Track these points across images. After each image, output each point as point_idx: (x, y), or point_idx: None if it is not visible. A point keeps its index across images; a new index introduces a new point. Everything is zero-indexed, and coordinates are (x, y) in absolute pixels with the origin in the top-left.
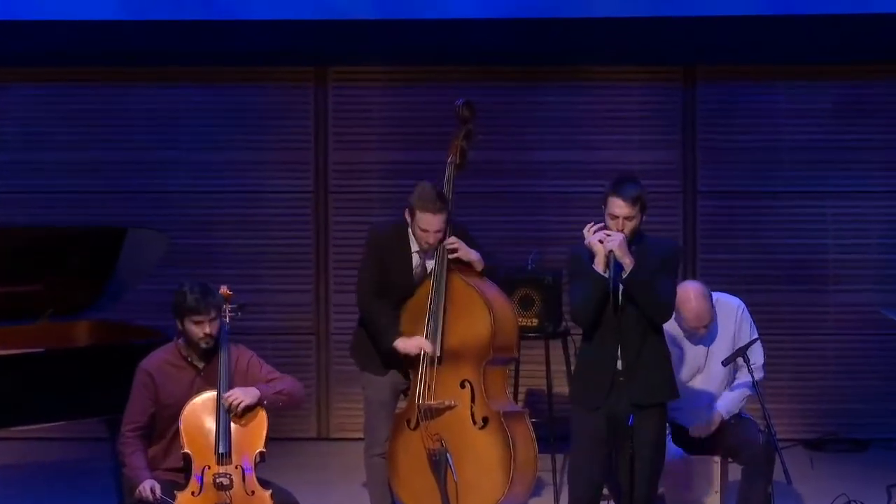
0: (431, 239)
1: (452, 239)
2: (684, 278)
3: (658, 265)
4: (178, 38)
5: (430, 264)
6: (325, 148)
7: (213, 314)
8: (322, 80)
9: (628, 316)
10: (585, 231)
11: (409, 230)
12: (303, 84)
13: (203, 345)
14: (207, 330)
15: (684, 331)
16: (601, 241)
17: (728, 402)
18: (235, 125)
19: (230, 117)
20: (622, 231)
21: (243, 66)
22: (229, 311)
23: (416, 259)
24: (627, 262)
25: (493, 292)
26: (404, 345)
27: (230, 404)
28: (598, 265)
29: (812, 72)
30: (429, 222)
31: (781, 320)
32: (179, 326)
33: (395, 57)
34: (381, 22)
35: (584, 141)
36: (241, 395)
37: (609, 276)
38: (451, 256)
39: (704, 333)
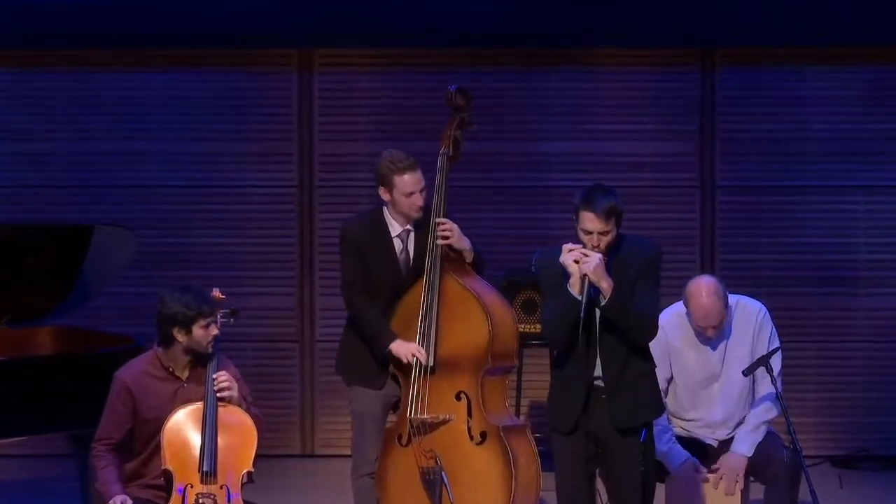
0: (420, 200)
1: (447, 223)
2: None
3: (637, 275)
4: (149, 19)
5: (414, 249)
6: (310, 138)
7: (217, 311)
8: (306, 65)
9: (607, 335)
10: (563, 248)
11: (385, 215)
12: (285, 69)
13: (209, 350)
14: (216, 331)
15: (695, 330)
16: (576, 261)
17: (749, 434)
18: (212, 114)
19: (206, 105)
20: (598, 247)
21: (220, 49)
22: (220, 318)
23: (398, 245)
24: (605, 287)
25: (490, 295)
26: (398, 348)
27: (217, 383)
28: (573, 287)
29: (843, 55)
30: (412, 182)
31: (808, 326)
32: (180, 338)
33: (385, 39)
34: (370, 0)
35: (591, 131)
36: (231, 381)
37: (583, 300)
38: (442, 242)
39: (714, 335)
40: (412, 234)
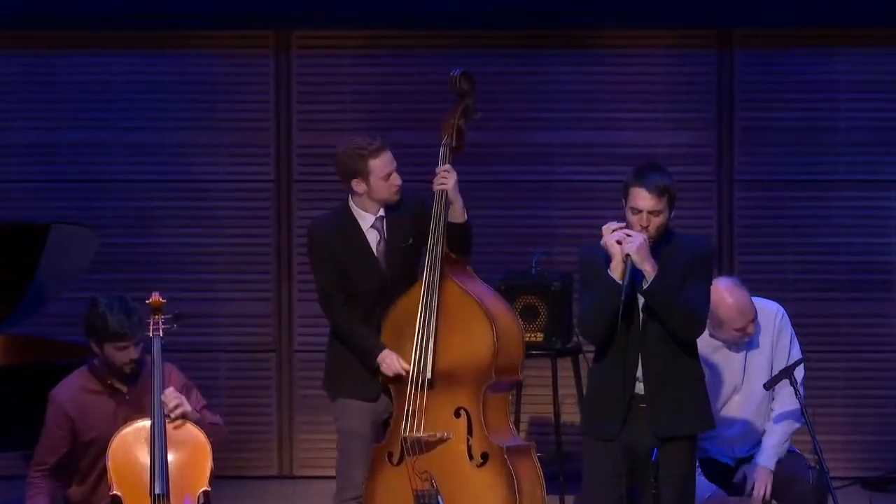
0: (398, 179)
1: (448, 168)
2: None
3: (685, 269)
4: None
5: (393, 234)
6: (289, 128)
7: (138, 337)
8: (284, 47)
9: (651, 330)
10: (604, 229)
11: (353, 209)
12: (261, 52)
13: (127, 370)
14: (133, 355)
15: (724, 342)
16: (619, 243)
17: (776, 447)
18: (180, 101)
19: (173, 91)
20: (647, 228)
21: (189, 31)
22: (162, 324)
23: (373, 237)
24: (648, 270)
25: (494, 301)
26: (384, 359)
27: (168, 407)
28: (615, 271)
29: (876, 35)
30: (388, 161)
31: (836, 335)
32: (95, 348)
33: (370, 19)
34: None
35: (598, 119)
36: (180, 399)
37: (624, 284)
38: (439, 187)
39: (752, 334)
40: (385, 221)
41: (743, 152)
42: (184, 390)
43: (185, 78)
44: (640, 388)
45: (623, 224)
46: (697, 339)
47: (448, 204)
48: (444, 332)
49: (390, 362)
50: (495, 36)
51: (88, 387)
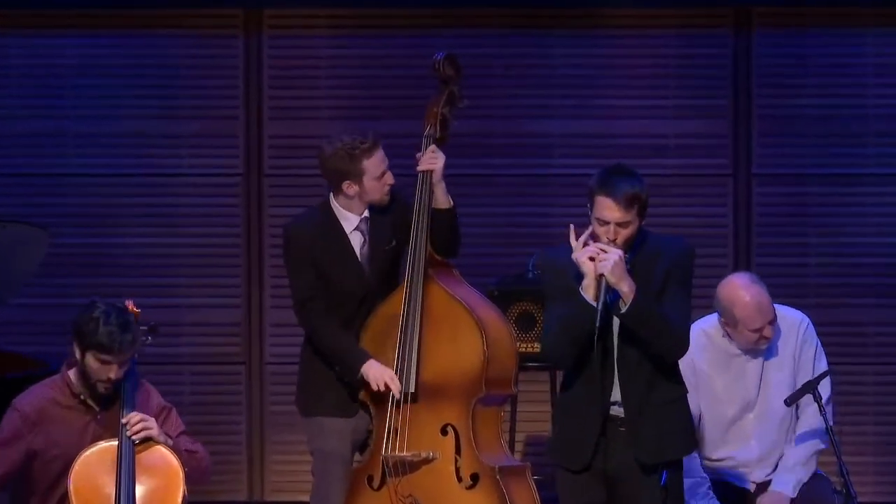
0: (391, 178)
1: (436, 148)
2: None
3: (665, 276)
4: None
5: (378, 237)
6: (259, 116)
7: (126, 357)
8: (254, 27)
9: (628, 353)
10: (574, 243)
11: (335, 209)
12: (229, 32)
13: (101, 389)
14: (113, 375)
15: (737, 348)
16: (592, 259)
17: (795, 471)
18: (140, 87)
19: (133, 77)
20: (614, 241)
21: (151, 9)
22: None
23: (357, 240)
24: (625, 290)
25: (484, 307)
26: (369, 370)
27: (130, 429)
28: (587, 290)
29: None
30: (382, 159)
31: (864, 345)
32: (77, 353)
33: None
34: None
35: (601, 107)
36: (149, 423)
37: (599, 308)
38: (425, 167)
39: (770, 337)
40: (369, 222)
41: (761, 143)
42: (161, 413)
43: (145, 61)
44: (617, 410)
45: (590, 230)
46: (709, 349)
47: (432, 189)
48: (428, 340)
49: (376, 374)
50: (487, 14)
51: (58, 399)
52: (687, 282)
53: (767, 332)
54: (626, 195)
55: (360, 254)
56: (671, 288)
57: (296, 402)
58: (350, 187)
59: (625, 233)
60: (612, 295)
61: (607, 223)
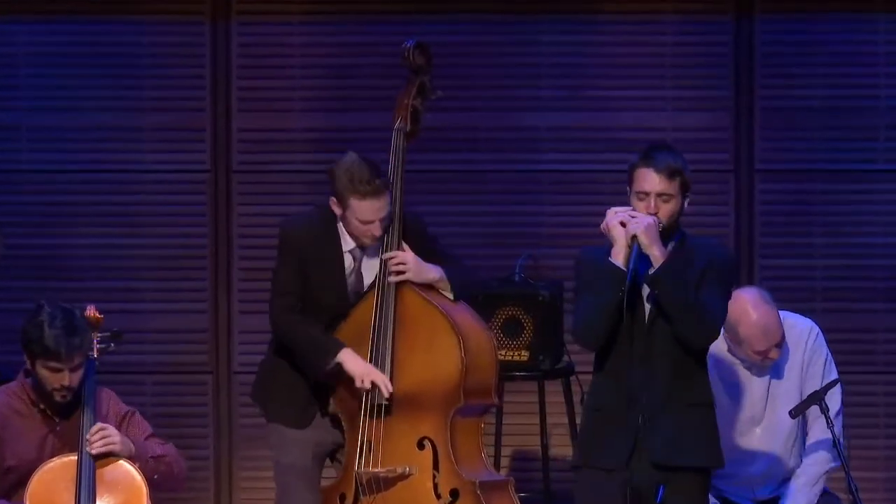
0: (377, 230)
1: (397, 255)
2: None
3: (700, 274)
4: None
5: (368, 273)
6: (227, 109)
7: (76, 361)
8: (222, 13)
9: (658, 335)
10: (608, 212)
11: (339, 223)
12: (195, 18)
13: (57, 398)
14: (67, 382)
15: (741, 361)
16: (623, 224)
17: (803, 491)
18: (98, 77)
19: (91, 66)
20: (655, 216)
21: None
22: (97, 343)
23: (348, 261)
24: (656, 254)
25: (461, 313)
26: (352, 363)
27: (90, 443)
28: (617, 256)
29: None
30: (369, 210)
31: (873, 353)
32: (28, 363)
33: None
34: None
35: (594, 98)
36: (111, 436)
37: (629, 270)
38: (395, 279)
39: (776, 359)
40: (364, 252)
41: (765, 137)
42: (124, 419)
43: (104, 49)
44: (643, 407)
45: (629, 207)
46: (712, 361)
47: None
48: (403, 348)
49: (361, 368)
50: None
51: (16, 406)
52: (724, 282)
53: (773, 353)
54: (669, 167)
55: (349, 279)
56: (706, 284)
57: (252, 395)
58: (336, 206)
59: (666, 207)
60: (643, 265)
61: (647, 195)
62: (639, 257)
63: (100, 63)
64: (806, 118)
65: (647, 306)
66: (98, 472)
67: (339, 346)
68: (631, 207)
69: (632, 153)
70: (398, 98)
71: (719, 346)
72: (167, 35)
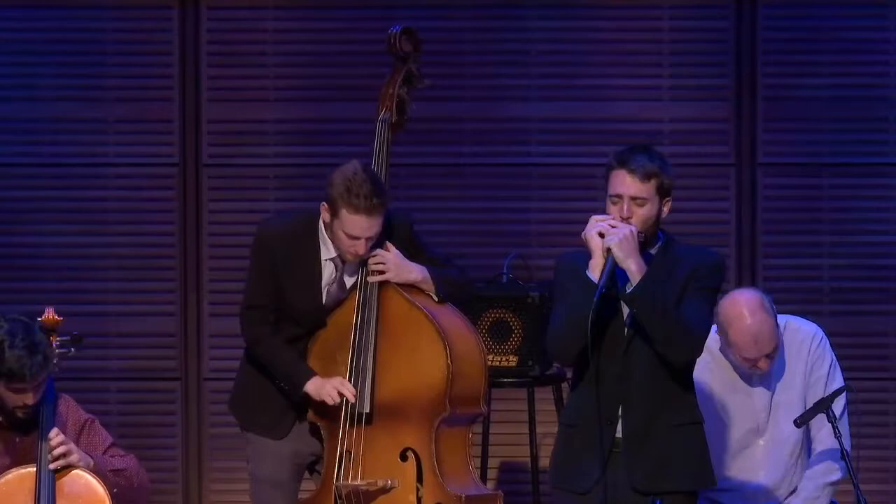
0: (362, 248)
1: (378, 255)
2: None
3: (684, 282)
4: None
5: (352, 282)
6: (197, 99)
7: (39, 379)
8: None
9: (636, 353)
10: (590, 220)
11: (320, 229)
12: (162, 3)
13: (20, 415)
14: (31, 401)
15: (736, 367)
16: (601, 235)
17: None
18: (60, 65)
19: (52, 54)
20: (628, 221)
21: None
22: (58, 348)
23: (328, 270)
24: (632, 269)
25: (448, 315)
26: (316, 388)
27: (53, 453)
28: (594, 269)
29: None
30: (360, 226)
31: (884, 358)
32: None
33: None
34: None
35: (585, 88)
36: (68, 454)
37: (600, 283)
38: (374, 279)
39: (767, 369)
40: (344, 265)
41: (768, 129)
42: (83, 428)
43: (66, 36)
44: (619, 429)
45: (611, 217)
46: (712, 368)
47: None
48: (385, 354)
49: (324, 389)
50: None
51: None
52: (709, 289)
53: (762, 364)
54: (645, 169)
55: (326, 290)
56: (690, 292)
57: (229, 405)
58: (325, 212)
59: (640, 212)
60: (622, 279)
61: (620, 198)
62: (613, 269)
63: (61, 50)
64: (812, 108)
65: (626, 322)
66: (58, 483)
67: (305, 378)
68: (610, 219)
69: (626, 145)
70: (383, 87)
71: (714, 348)
72: (133, 20)
